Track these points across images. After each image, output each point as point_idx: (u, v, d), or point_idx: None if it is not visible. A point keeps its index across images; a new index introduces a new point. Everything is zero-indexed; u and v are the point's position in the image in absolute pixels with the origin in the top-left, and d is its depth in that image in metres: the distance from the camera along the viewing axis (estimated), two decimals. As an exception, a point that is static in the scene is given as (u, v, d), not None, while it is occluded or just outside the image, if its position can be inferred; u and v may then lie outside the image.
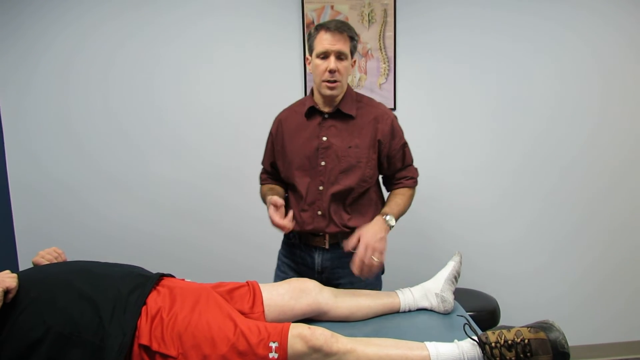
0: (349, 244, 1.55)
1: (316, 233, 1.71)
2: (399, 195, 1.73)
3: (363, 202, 1.72)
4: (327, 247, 1.71)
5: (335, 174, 1.67)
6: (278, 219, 1.57)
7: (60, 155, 2.39)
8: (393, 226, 1.63)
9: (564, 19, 2.45)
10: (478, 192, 2.56)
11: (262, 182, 1.89)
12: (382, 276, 1.84)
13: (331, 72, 1.60)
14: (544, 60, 2.48)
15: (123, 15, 2.32)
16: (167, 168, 2.44)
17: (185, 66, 2.38)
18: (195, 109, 2.42)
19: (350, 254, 1.59)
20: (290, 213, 1.60)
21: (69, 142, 2.38)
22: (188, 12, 2.34)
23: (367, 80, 2.42)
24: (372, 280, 1.75)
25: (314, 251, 1.74)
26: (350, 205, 1.70)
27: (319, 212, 1.68)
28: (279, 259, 1.89)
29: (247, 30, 2.38)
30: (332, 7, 2.35)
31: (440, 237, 2.57)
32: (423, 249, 2.53)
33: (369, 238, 1.53)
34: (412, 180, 1.77)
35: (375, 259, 1.51)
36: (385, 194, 1.84)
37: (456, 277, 1.60)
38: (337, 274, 1.72)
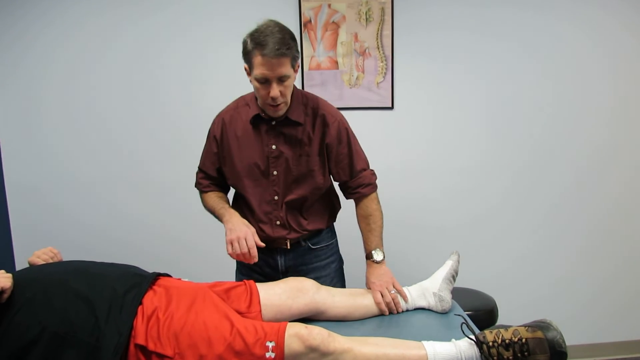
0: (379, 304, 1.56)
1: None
2: (370, 219, 1.67)
3: (318, 207, 1.71)
4: (288, 247, 1.68)
5: (288, 183, 1.62)
6: (252, 245, 1.51)
7: (58, 153, 2.38)
8: (383, 258, 1.65)
9: (564, 17, 2.44)
10: (476, 191, 2.56)
11: (204, 188, 1.75)
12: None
13: (273, 98, 1.49)
14: (543, 59, 2.47)
15: (121, 13, 2.31)
16: (166, 167, 2.44)
17: (182, 65, 2.37)
18: (193, 108, 2.41)
19: (312, 250, 1.71)
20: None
21: (67, 140, 2.38)
22: (184, 11, 2.33)
23: (364, 78, 2.41)
24: (337, 277, 1.80)
25: (275, 253, 1.70)
26: (306, 212, 1.68)
27: (277, 222, 1.65)
28: (237, 262, 1.81)
29: (244, 30, 2.36)
30: (329, 5, 2.34)
31: (438, 236, 2.57)
32: (421, 248, 2.53)
33: (376, 284, 1.59)
34: (369, 187, 1.68)
35: (393, 291, 1.58)
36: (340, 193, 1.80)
37: (454, 276, 1.59)
38: (302, 271, 1.70)
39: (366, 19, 2.38)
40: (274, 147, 1.61)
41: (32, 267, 1.39)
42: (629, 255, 2.66)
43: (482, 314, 2.13)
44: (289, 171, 1.61)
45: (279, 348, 1.20)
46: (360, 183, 1.68)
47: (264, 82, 1.47)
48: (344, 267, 1.87)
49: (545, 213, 2.59)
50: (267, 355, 1.19)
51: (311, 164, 1.62)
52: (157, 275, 1.41)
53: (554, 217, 2.60)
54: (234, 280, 1.80)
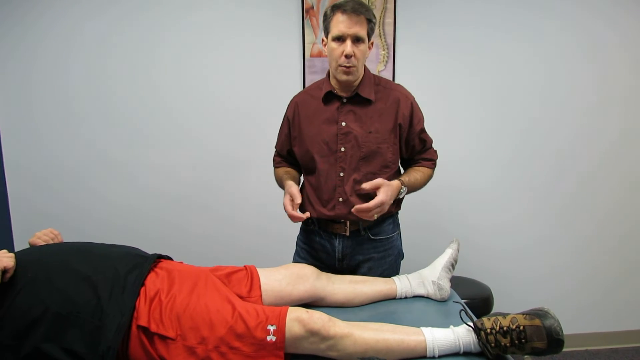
0: (366, 186, 1.53)
1: (337, 220, 1.69)
2: (419, 172, 1.70)
3: None
4: (347, 234, 1.69)
5: (356, 160, 1.63)
6: (291, 209, 1.58)
7: (58, 138, 2.37)
8: (401, 199, 1.65)
9: (562, 15, 2.44)
10: (472, 181, 2.57)
11: (277, 165, 1.87)
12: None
13: (347, 56, 1.53)
14: (543, 54, 2.47)
15: (122, 2, 2.29)
16: (166, 153, 2.43)
17: (184, 53, 2.36)
18: (194, 96, 2.40)
19: (371, 240, 1.70)
20: (306, 214, 1.61)
21: (67, 125, 2.37)
22: (186, -1, 2.32)
23: (366, 67, 2.41)
24: (390, 269, 1.76)
25: (334, 238, 1.71)
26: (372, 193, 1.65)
27: (340, 199, 1.66)
28: (297, 244, 1.86)
29: (246, 17, 2.36)
30: (332, -8, 2.33)
31: (434, 226, 2.58)
32: (418, 238, 2.54)
33: (386, 198, 1.52)
34: (430, 162, 1.75)
35: (375, 217, 1.55)
36: None
37: (453, 265, 1.60)
38: (357, 260, 1.72)
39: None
40: (343, 124, 1.64)
41: (34, 248, 1.39)
42: (623, 245, 2.68)
43: (478, 302, 2.16)
44: (357, 148, 1.63)
45: (280, 331, 1.21)
46: (424, 157, 1.75)
47: (340, 40, 1.54)
48: (401, 261, 1.84)
49: (540, 202, 2.61)
50: (269, 338, 1.21)
51: (380, 141, 1.63)
52: (158, 257, 1.42)
53: (548, 206, 2.62)
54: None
